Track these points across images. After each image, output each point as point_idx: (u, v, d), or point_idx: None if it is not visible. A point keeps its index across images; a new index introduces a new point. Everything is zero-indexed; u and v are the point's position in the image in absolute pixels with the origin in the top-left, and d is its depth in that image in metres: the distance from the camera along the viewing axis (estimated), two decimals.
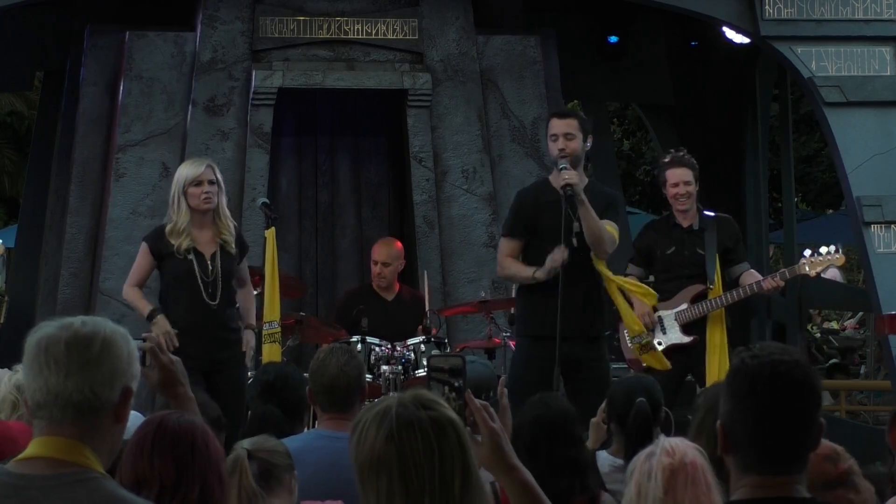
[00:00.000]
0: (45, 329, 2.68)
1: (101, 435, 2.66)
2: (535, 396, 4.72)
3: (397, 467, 2.57)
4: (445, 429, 2.60)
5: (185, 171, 7.38)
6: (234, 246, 7.38)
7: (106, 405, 2.65)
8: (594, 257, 7.17)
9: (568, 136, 7.17)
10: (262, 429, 5.06)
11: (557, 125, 7.24)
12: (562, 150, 7.12)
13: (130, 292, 7.52)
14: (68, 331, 2.66)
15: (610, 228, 7.12)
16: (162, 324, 7.23)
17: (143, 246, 7.49)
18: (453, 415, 2.64)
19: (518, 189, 7.93)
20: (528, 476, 3.11)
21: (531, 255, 7.36)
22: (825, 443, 3.65)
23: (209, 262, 7.31)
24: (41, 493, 2.58)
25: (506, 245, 7.43)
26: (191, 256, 7.29)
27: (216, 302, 7.30)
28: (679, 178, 8.04)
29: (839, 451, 3.71)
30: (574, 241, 6.94)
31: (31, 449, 2.66)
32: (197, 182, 7.29)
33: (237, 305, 7.53)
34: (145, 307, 7.38)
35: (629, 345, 7.85)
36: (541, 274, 7.11)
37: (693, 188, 8.05)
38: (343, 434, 4.83)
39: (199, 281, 7.29)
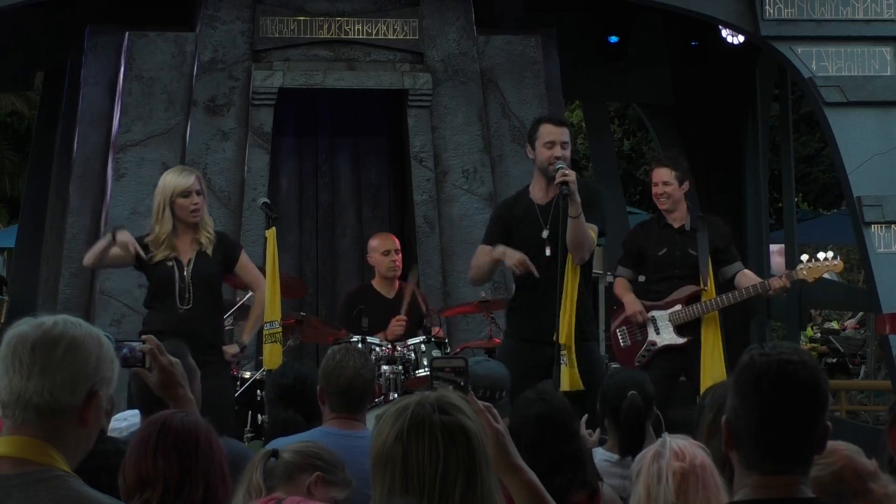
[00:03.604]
0: (18, 328, 2.68)
1: (64, 437, 2.65)
2: (529, 394, 4.70)
3: (400, 466, 2.59)
4: (455, 436, 2.60)
5: (174, 180, 7.29)
6: (210, 250, 7.35)
7: (67, 408, 2.64)
8: (570, 263, 7.13)
9: (564, 146, 7.19)
10: (285, 435, 5.06)
11: (555, 132, 7.22)
12: (558, 157, 7.13)
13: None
14: (37, 332, 2.66)
15: (590, 232, 7.12)
16: (123, 235, 7.15)
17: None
18: (470, 423, 2.64)
19: (519, 190, 7.97)
20: (533, 476, 3.11)
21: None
22: (867, 463, 3.57)
23: (185, 268, 7.30)
24: (3, 492, 2.58)
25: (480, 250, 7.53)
26: (171, 264, 7.27)
27: (189, 307, 7.27)
28: (658, 178, 8.07)
29: (875, 472, 3.62)
30: (547, 247, 6.95)
31: None
32: (186, 193, 7.26)
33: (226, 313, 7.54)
34: (105, 238, 7.26)
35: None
36: (497, 253, 7.17)
37: (673, 188, 8.03)
38: (351, 433, 4.84)
39: (176, 287, 7.27)
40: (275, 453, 3.92)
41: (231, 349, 7.42)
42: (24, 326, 2.68)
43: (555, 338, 6.87)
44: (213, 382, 7.29)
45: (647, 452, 3.66)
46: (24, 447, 2.63)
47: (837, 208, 21.37)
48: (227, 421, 7.35)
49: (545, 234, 7.06)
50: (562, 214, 6.92)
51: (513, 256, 7.09)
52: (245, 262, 7.52)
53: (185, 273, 7.26)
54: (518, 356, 7.19)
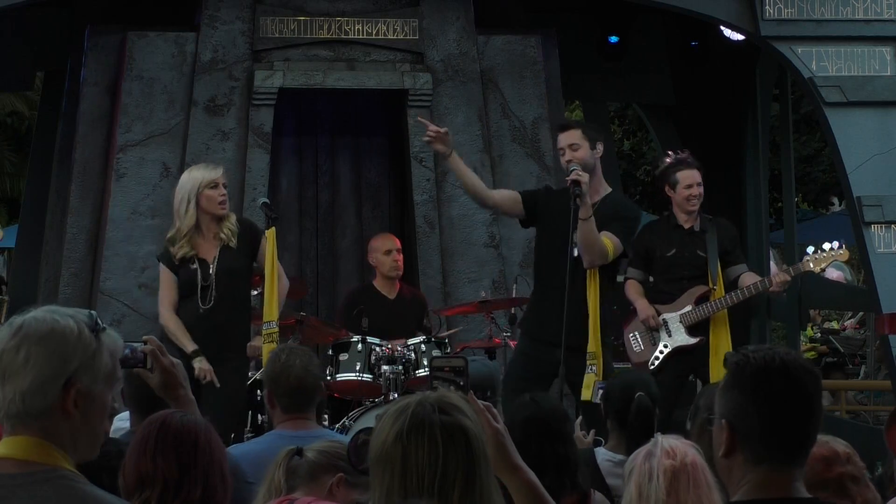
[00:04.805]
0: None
1: (56, 434, 2.63)
2: (525, 397, 4.74)
3: (400, 466, 2.58)
4: (455, 436, 2.60)
5: (201, 174, 7.28)
6: (234, 243, 7.32)
7: (43, 410, 2.61)
8: (589, 270, 7.15)
9: (573, 147, 7.27)
10: None
11: (561, 138, 7.38)
12: (569, 161, 7.19)
13: (171, 320, 7.33)
14: (4, 336, 2.63)
15: (606, 240, 7.11)
16: (203, 363, 7.13)
17: (162, 267, 7.42)
18: (470, 423, 2.64)
19: (523, 188, 8.02)
20: (532, 476, 3.12)
21: (537, 254, 7.45)
22: (829, 444, 3.65)
23: (210, 266, 7.28)
24: (8, 491, 2.57)
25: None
26: (194, 265, 7.25)
27: (210, 305, 7.25)
28: (693, 180, 8.09)
29: (840, 453, 3.70)
30: (575, 250, 6.96)
31: (1, 448, 2.65)
32: (214, 185, 7.25)
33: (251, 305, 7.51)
34: (189, 344, 7.19)
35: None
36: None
37: (702, 190, 8.11)
38: (306, 433, 4.81)
39: (199, 287, 7.25)
40: (299, 451, 3.90)
41: (257, 341, 7.43)
42: (4, 329, 2.67)
43: (563, 341, 6.87)
44: (232, 383, 7.23)
45: (640, 452, 3.67)
46: (27, 448, 2.61)
47: (838, 203, 21.39)
48: (231, 422, 7.34)
49: (576, 237, 7.07)
50: (572, 217, 6.95)
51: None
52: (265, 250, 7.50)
53: (209, 271, 7.24)
54: (528, 356, 7.21)
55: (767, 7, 9.77)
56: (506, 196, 7.61)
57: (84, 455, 2.68)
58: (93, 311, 2.72)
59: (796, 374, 2.75)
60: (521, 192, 7.60)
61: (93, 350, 2.66)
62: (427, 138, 7.30)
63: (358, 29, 10.13)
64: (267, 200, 8.15)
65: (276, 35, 10.05)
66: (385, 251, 9.13)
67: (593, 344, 7.08)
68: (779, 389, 2.73)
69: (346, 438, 4.82)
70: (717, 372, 7.72)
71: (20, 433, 2.63)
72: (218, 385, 7.10)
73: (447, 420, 2.62)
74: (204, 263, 7.26)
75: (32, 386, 2.60)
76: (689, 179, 8.08)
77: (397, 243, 9.24)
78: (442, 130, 7.25)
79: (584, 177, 6.98)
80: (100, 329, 2.69)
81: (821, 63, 9.79)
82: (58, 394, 2.62)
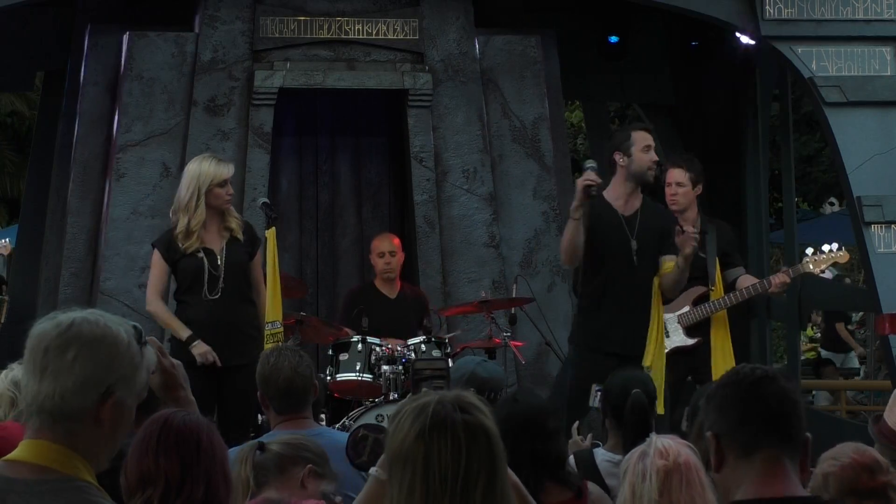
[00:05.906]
0: (40, 326, 2.66)
1: (81, 440, 2.62)
2: (507, 394, 4.74)
3: (422, 465, 2.58)
4: (477, 435, 2.60)
5: (213, 169, 7.26)
6: (241, 235, 7.33)
7: (78, 412, 2.60)
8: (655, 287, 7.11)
9: (657, 150, 7.28)
10: None
11: (650, 138, 7.26)
12: (655, 162, 7.21)
13: (159, 307, 7.33)
14: (53, 332, 2.63)
15: (672, 265, 7.12)
16: (201, 346, 7.13)
17: (156, 254, 7.38)
18: (489, 423, 2.65)
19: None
20: (515, 478, 3.13)
21: (588, 270, 7.20)
22: (869, 452, 3.67)
23: (218, 257, 7.26)
24: (21, 498, 2.55)
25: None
26: (200, 255, 7.23)
27: (217, 296, 7.24)
28: (672, 179, 8.08)
29: (881, 462, 3.71)
30: (635, 259, 6.96)
31: (19, 451, 2.64)
32: (223, 183, 7.25)
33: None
34: (182, 330, 7.18)
35: None
36: (574, 203, 7.00)
37: (687, 189, 8.05)
38: (303, 432, 4.82)
39: (208, 278, 7.23)
40: (261, 447, 3.91)
41: None
42: (45, 324, 2.65)
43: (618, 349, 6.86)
44: (246, 377, 7.04)
45: (635, 452, 3.68)
46: (46, 453, 2.60)
47: (837, 203, 21.38)
48: (249, 418, 7.33)
49: (634, 245, 7.04)
50: (643, 224, 6.95)
51: (580, 183, 6.97)
52: (258, 261, 7.49)
53: (218, 262, 7.22)
54: (580, 366, 7.09)
55: (767, 7, 9.77)
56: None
57: (102, 466, 2.67)
58: (137, 325, 2.72)
59: (785, 384, 2.77)
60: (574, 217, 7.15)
61: (136, 364, 2.68)
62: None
63: (358, 29, 10.13)
64: (267, 200, 8.15)
65: (276, 35, 10.06)
66: (378, 253, 9.18)
67: (649, 358, 7.00)
68: (751, 383, 2.75)
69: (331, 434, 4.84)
70: (718, 372, 7.73)
71: (43, 436, 2.61)
72: (220, 364, 7.08)
73: (469, 419, 2.62)
74: (211, 254, 7.24)
75: (75, 386, 2.60)
76: (669, 178, 8.11)
77: (394, 244, 9.24)
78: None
79: (597, 182, 6.93)
80: (143, 343, 2.70)
81: (821, 63, 9.79)
82: (96, 399, 2.61)
